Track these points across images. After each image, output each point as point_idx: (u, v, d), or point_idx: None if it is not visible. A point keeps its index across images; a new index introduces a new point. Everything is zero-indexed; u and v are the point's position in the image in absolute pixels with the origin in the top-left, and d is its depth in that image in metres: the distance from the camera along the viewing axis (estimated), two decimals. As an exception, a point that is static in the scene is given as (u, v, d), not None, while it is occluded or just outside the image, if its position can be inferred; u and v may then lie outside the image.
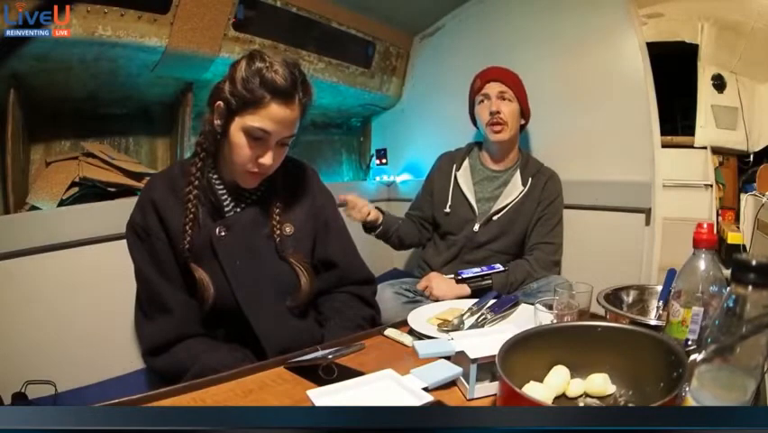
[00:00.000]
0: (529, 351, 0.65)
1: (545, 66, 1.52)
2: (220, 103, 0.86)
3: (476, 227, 1.40)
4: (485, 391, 0.69)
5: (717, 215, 1.48)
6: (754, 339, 0.43)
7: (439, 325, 0.95)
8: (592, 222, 1.50)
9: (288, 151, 0.92)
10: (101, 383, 1.25)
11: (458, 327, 0.93)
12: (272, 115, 0.84)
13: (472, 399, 0.69)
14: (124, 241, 0.93)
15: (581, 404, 0.64)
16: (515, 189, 1.40)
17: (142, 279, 0.91)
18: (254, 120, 0.84)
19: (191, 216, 0.89)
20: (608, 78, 1.48)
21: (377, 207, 1.37)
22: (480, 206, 1.41)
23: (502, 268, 1.30)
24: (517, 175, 1.42)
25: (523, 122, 1.45)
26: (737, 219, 1.49)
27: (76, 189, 1.34)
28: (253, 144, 0.85)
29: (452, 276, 1.30)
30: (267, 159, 0.87)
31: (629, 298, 0.98)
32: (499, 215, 1.39)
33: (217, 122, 0.88)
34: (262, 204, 0.95)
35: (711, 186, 1.47)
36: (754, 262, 0.43)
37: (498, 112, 1.37)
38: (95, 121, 1.55)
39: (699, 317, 0.67)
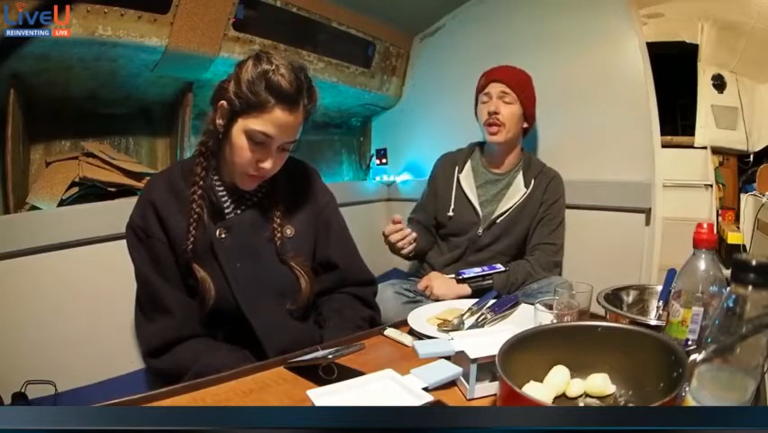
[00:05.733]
0: (529, 351, 0.65)
1: (546, 66, 1.52)
2: (223, 102, 0.86)
3: (480, 230, 1.40)
4: (485, 391, 0.69)
5: (717, 215, 1.48)
6: (754, 339, 0.43)
7: (439, 325, 0.95)
8: (592, 222, 1.50)
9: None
10: (101, 383, 1.25)
11: (458, 327, 0.93)
12: (275, 120, 0.83)
13: (472, 399, 0.69)
14: (124, 241, 0.92)
15: (581, 404, 0.64)
16: (518, 191, 1.40)
17: (142, 280, 0.91)
18: (257, 124, 0.83)
19: (195, 216, 0.89)
20: (609, 79, 1.48)
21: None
22: (484, 208, 1.41)
23: (503, 268, 1.29)
24: (520, 177, 1.41)
25: (526, 125, 1.43)
26: (737, 219, 1.48)
27: (76, 189, 1.34)
28: (254, 148, 0.85)
29: (453, 276, 1.30)
30: (267, 163, 0.86)
31: (629, 298, 0.97)
32: (503, 217, 1.39)
33: (219, 121, 0.87)
34: (263, 206, 0.95)
35: (711, 186, 1.47)
36: (754, 262, 0.43)
37: (497, 112, 1.36)
38: (95, 121, 1.55)
39: (699, 317, 0.67)
